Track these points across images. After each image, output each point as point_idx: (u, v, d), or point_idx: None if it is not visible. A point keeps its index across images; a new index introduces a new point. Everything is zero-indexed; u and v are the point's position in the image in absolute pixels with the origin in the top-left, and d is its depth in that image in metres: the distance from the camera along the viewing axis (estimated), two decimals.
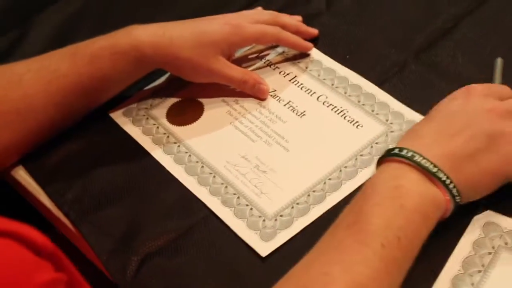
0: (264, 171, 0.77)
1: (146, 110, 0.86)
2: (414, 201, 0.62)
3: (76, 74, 0.80)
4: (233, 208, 0.74)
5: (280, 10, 0.93)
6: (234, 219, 0.73)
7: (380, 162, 0.67)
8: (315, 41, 0.89)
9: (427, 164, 0.62)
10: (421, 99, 0.80)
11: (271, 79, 0.85)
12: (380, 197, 0.62)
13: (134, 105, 0.87)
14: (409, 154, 0.63)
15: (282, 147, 0.79)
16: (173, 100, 0.86)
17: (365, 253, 0.59)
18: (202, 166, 0.79)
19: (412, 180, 0.63)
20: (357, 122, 0.79)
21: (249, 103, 0.84)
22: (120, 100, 0.87)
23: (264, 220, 0.73)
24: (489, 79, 0.80)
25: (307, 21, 0.91)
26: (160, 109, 0.86)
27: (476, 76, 0.80)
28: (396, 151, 0.64)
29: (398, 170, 0.64)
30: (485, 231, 0.66)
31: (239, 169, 0.78)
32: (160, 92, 0.88)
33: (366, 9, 0.92)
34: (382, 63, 0.85)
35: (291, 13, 0.92)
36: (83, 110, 0.84)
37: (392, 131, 0.77)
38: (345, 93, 0.82)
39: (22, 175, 0.83)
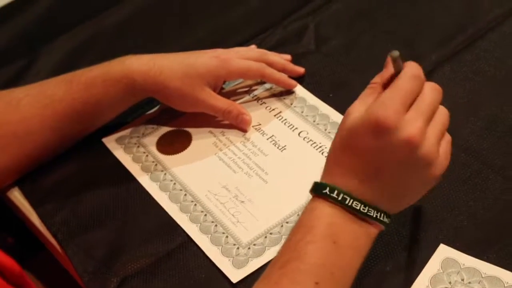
0: (243, 201, 0.81)
1: (138, 138, 0.90)
2: (347, 238, 0.64)
3: (71, 99, 0.85)
4: (210, 235, 0.78)
5: (272, 48, 0.97)
6: (210, 245, 0.77)
7: (315, 194, 0.66)
8: (301, 79, 0.93)
9: (358, 207, 0.64)
10: None
11: (257, 113, 0.89)
12: (313, 235, 0.64)
13: (127, 133, 0.91)
14: (340, 197, 0.64)
15: (261, 179, 0.82)
16: (164, 130, 0.91)
17: None
18: (185, 194, 0.83)
19: (345, 218, 0.64)
20: None
21: (234, 136, 0.88)
22: (115, 128, 0.92)
23: (238, 248, 0.76)
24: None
25: (296, 59, 0.96)
26: (151, 138, 0.90)
27: (459, 112, 0.83)
28: (327, 191, 0.64)
29: (330, 208, 0.65)
30: (443, 266, 0.69)
31: (219, 198, 0.82)
32: (153, 122, 0.92)
33: (352, 52, 0.96)
34: None
35: (283, 51, 0.96)
36: (77, 135, 0.89)
37: None
38: (325, 130, 0.86)
39: (16, 196, 0.88)
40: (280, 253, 0.66)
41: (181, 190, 0.83)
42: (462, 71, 0.89)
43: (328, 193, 0.65)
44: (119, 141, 0.91)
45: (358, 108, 0.66)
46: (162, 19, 1.09)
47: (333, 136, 0.82)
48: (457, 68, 0.90)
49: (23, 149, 0.86)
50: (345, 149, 0.65)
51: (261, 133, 0.88)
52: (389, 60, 0.68)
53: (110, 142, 0.91)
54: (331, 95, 0.90)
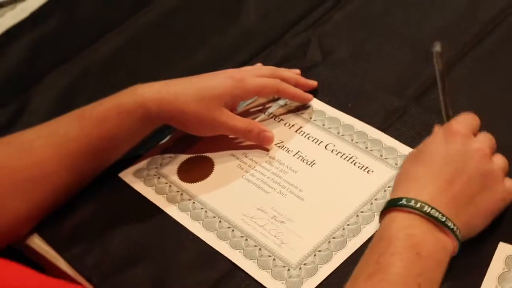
0: (282, 221, 0.78)
1: (156, 169, 0.87)
2: (428, 249, 0.64)
3: (86, 136, 0.82)
4: (256, 259, 0.76)
5: (277, 64, 0.96)
6: (259, 270, 0.75)
7: (386, 211, 0.68)
8: (315, 93, 0.92)
9: (436, 214, 0.65)
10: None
11: (276, 131, 0.87)
12: (396, 247, 0.64)
13: (144, 165, 0.88)
14: (418, 205, 0.65)
15: (296, 197, 0.80)
16: (182, 158, 0.88)
17: None
18: (220, 221, 0.80)
19: (423, 229, 0.65)
20: (367, 167, 0.81)
21: (258, 156, 0.86)
22: (129, 161, 0.89)
23: (288, 270, 0.74)
24: (486, 118, 0.83)
25: (304, 73, 0.94)
26: (170, 167, 0.87)
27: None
28: (404, 201, 0.66)
29: (407, 220, 0.66)
30: (507, 264, 0.68)
31: (257, 221, 0.79)
32: (168, 151, 0.89)
33: (360, 60, 0.95)
34: (384, 109, 0.88)
35: (289, 66, 0.95)
36: (94, 172, 0.85)
37: None
38: (352, 140, 0.85)
39: (37, 243, 0.83)
40: (362, 267, 0.65)
41: (214, 217, 0.81)
42: (477, 68, 0.90)
43: (405, 203, 0.65)
44: (137, 174, 0.87)
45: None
46: (156, 45, 1.06)
47: (361, 146, 0.82)
48: (472, 66, 0.90)
49: (40, 193, 0.82)
50: (418, 161, 0.68)
51: (285, 151, 0.86)
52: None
53: (127, 176, 0.87)
54: (350, 105, 0.89)
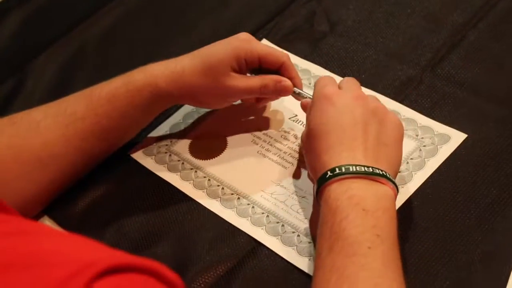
0: (303, 196, 0.77)
1: (167, 147, 0.85)
2: (371, 202, 0.65)
3: (94, 116, 0.79)
4: (280, 236, 0.74)
5: (285, 36, 0.94)
6: (283, 247, 0.73)
7: (320, 191, 0.68)
8: (325, 64, 0.90)
9: (363, 169, 0.66)
10: (445, 111, 0.82)
11: (290, 104, 0.85)
12: (342, 213, 0.65)
13: (153, 143, 0.85)
14: (343, 170, 0.66)
15: None
16: (193, 135, 0.86)
17: (358, 261, 0.62)
18: (238, 198, 0.78)
19: (359, 187, 0.66)
20: None
21: (272, 130, 0.84)
22: (138, 140, 0.86)
23: (314, 245, 0.72)
24: (503, 83, 0.83)
25: (314, 44, 0.92)
26: (182, 144, 0.85)
27: (487, 80, 0.84)
28: (329, 173, 0.67)
29: (342, 186, 0.66)
30: None
31: (277, 197, 0.77)
32: (178, 128, 0.87)
33: (369, 30, 0.93)
34: (399, 80, 0.86)
35: (297, 38, 0.93)
36: (103, 153, 0.82)
37: (424, 146, 0.79)
38: None
39: (48, 225, 0.80)
40: (320, 244, 0.65)
41: (232, 194, 0.79)
42: (491, 34, 0.88)
43: (331, 174, 0.66)
44: (147, 152, 0.85)
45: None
46: (156, 18, 1.03)
47: None
48: (486, 32, 0.89)
49: (48, 174, 0.79)
50: (318, 136, 0.70)
51: (300, 124, 0.84)
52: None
53: (138, 154, 0.85)
54: (363, 76, 0.87)
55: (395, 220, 0.66)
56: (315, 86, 0.74)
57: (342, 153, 0.68)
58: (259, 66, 0.79)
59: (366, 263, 0.62)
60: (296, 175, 0.79)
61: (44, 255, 0.49)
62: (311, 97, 0.75)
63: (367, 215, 0.64)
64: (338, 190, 0.66)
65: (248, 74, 0.81)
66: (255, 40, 0.80)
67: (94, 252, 0.50)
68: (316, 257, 0.66)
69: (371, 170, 0.66)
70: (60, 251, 0.49)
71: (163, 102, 0.82)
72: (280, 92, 0.80)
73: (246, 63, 0.79)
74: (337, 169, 0.66)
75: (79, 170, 0.81)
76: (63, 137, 0.78)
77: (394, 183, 0.67)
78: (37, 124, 0.79)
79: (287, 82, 0.80)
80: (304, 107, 0.78)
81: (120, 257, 0.49)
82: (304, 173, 0.79)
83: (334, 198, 0.66)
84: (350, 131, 0.69)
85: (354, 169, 0.66)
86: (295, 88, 0.80)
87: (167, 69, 0.79)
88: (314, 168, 0.70)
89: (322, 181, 0.67)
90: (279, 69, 0.82)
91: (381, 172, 0.67)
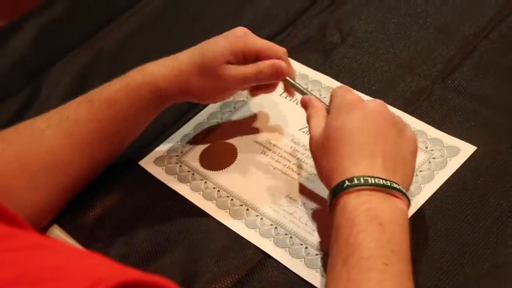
0: (312, 208, 0.77)
1: (178, 157, 0.85)
2: (387, 216, 0.65)
3: (96, 121, 0.79)
4: (288, 248, 0.74)
5: (297, 46, 0.94)
6: (291, 259, 0.73)
7: (335, 200, 0.67)
8: (336, 75, 0.90)
9: (382, 182, 0.66)
10: (455, 123, 0.81)
11: (299, 115, 0.85)
12: (359, 225, 0.64)
13: (165, 153, 0.86)
14: (362, 181, 0.66)
15: None
16: (203, 145, 0.86)
17: (374, 277, 0.61)
18: (247, 209, 0.78)
19: (376, 200, 0.66)
20: None
21: (282, 141, 0.84)
22: (149, 148, 0.86)
23: (322, 258, 0.72)
24: (508, 94, 0.83)
25: (325, 55, 0.92)
26: (192, 155, 0.85)
27: (499, 92, 0.84)
28: (348, 183, 0.66)
29: (359, 198, 0.66)
30: None
31: (286, 209, 0.77)
32: (188, 138, 0.87)
33: (380, 41, 0.93)
34: (409, 91, 0.86)
35: (309, 48, 0.93)
36: (109, 157, 0.83)
37: (434, 158, 0.78)
38: None
39: (58, 234, 0.81)
40: (335, 255, 0.65)
41: (241, 205, 0.79)
42: (503, 45, 0.88)
43: (349, 184, 0.66)
44: (158, 162, 0.85)
45: (316, 124, 0.72)
46: (170, 28, 1.04)
47: None
48: (497, 43, 0.88)
49: (55, 182, 0.80)
50: (340, 141, 0.68)
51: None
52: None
53: (148, 164, 0.85)
54: (374, 87, 0.87)
55: (408, 235, 0.65)
56: (333, 94, 0.73)
57: (362, 160, 0.67)
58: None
59: (382, 279, 0.61)
60: (304, 187, 0.79)
61: (55, 270, 0.49)
62: (304, 88, 0.77)
63: (384, 230, 0.64)
64: (355, 202, 0.65)
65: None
66: (251, 34, 0.80)
67: (105, 268, 0.51)
68: (330, 268, 0.65)
69: (389, 184, 0.66)
70: (71, 266, 0.50)
71: (162, 101, 0.82)
72: (275, 74, 0.79)
73: (244, 57, 0.79)
74: (355, 179, 0.66)
75: (86, 176, 0.82)
76: (68, 144, 0.79)
77: (408, 197, 0.67)
78: (41, 132, 0.79)
79: (282, 63, 0.79)
80: (304, 104, 0.76)
81: (130, 273, 0.50)
82: (311, 184, 0.79)
83: (351, 209, 0.65)
84: (373, 139, 0.68)
85: (373, 182, 0.65)
86: (288, 78, 0.79)
87: (165, 67, 0.80)
88: (328, 173, 0.69)
89: (338, 190, 0.67)
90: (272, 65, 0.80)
91: (398, 187, 0.66)
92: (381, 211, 0.65)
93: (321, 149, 0.70)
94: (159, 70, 0.79)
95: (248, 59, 0.79)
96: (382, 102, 0.72)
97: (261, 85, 0.82)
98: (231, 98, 0.89)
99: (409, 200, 0.67)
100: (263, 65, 0.79)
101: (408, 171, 0.70)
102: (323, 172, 0.71)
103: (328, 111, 0.73)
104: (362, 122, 0.69)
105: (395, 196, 0.66)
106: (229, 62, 0.78)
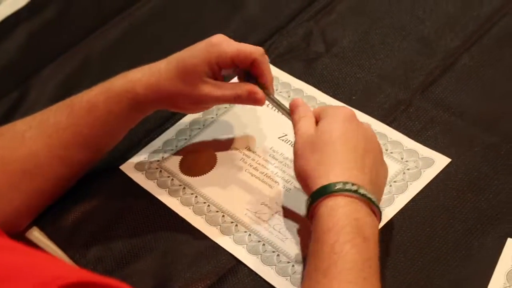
0: (286, 217, 0.77)
1: (159, 163, 0.86)
2: (369, 230, 0.66)
3: (75, 125, 0.80)
4: (260, 255, 0.75)
5: (281, 55, 0.95)
6: (262, 266, 0.74)
7: (317, 205, 0.67)
8: (318, 84, 0.90)
9: (369, 195, 0.66)
10: (432, 135, 0.82)
11: (280, 124, 0.86)
12: (347, 234, 0.64)
13: (146, 159, 0.87)
14: (355, 188, 0.66)
15: (301, 191, 0.79)
16: (184, 152, 0.87)
17: None
18: (223, 216, 0.79)
19: (363, 212, 0.66)
20: None
21: (261, 149, 0.85)
22: (128, 152, 0.87)
23: (293, 266, 0.73)
24: (492, 109, 0.83)
25: (309, 64, 0.93)
26: (172, 161, 0.86)
27: (476, 106, 0.84)
28: (341, 186, 0.66)
29: (351, 204, 0.66)
30: None
31: (261, 216, 0.78)
32: (170, 144, 0.88)
33: (364, 51, 0.94)
34: (388, 102, 0.86)
35: (293, 57, 0.94)
36: (87, 162, 0.84)
37: (408, 169, 0.79)
38: None
39: (37, 236, 0.82)
40: (315, 263, 0.64)
41: (217, 211, 0.80)
42: (483, 59, 0.88)
43: (342, 187, 0.66)
44: (138, 167, 0.86)
45: (307, 124, 0.73)
46: (157, 35, 1.05)
47: None
48: (478, 57, 0.89)
49: (35, 184, 0.81)
50: (335, 144, 0.69)
51: (289, 144, 0.85)
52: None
53: (128, 169, 0.86)
54: (354, 97, 0.88)
55: (378, 248, 0.66)
56: (325, 107, 0.76)
57: (354, 170, 0.67)
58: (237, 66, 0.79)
59: None
60: (280, 195, 0.80)
61: (9, 269, 0.50)
62: (286, 107, 0.77)
63: (365, 244, 0.64)
64: (347, 208, 0.65)
65: (235, 80, 0.82)
66: (226, 41, 0.79)
67: (59, 268, 0.52)
68: (307, 276, 0.65)
69: (374, 198, 0.67)
70: (25, 266, 0.51)
71: (141, 108, 0.82)
72: (251, 101, 0.80)
73: (218, 66, 0.79)
74: (349, 184, 0.66)
75: (65, 179, 0.83)
76: (47, 147, 0.80)
77: (380, 211, 0.68)
78: (22, 135, 0.80)
79: (259, 95, 0.79)
80: (294, 106, 0.76)
81: (84, 274, 0.51)
82: (287, 193, 0.80)
83: (342, 215, 0.65)
84: (362, 152, 0.69)
85: (363, 192, 0.66)
86: (274, 97, 0.80)
87: (144, 75, 0.80)
88: (316, 171, 0.68)
89: (325, 192, 0.66)
90: (251, 66, 0.80)
91: (376, 201, 0.67)
92: (365, 224, 0.65)
93: (310, 149, 0.70)
94: (139, 77, 0.80)
95: (224, 67, 0.79)
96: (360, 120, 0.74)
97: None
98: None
99: (381, 217, 0.68)
100: (243, 90, 0.79)
101: (382, 186, 0.72)
102: (306, 172, 0.69)
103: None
104: (353, 134, 0.70)
105: (373, 211, 0.67)
106: (206, 73, 0.79)
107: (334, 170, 0.67)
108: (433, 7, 0.96)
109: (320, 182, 0.67)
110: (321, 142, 0.70)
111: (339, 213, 0.65)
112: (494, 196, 0.75)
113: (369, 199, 0.66)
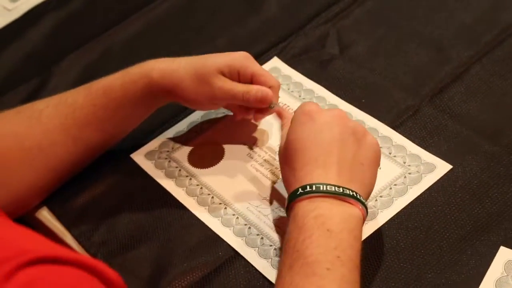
0: (284, 212, 0.79)
1: (168, 153, 0.88)
2: (337, 222, 0.67)
3: (91, 106, 0.83)
4: (257, 248, 0.76)
5: (296, 55, 0.97)
6: (259, 259, 0.75)
7: (289, 207, 0.70)
8: (329, 86, 0.92)
9: (333, 189, 0.68)
10: (436, 141, 0.83)
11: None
12: (307, 231, 0.66)
13: (156, 148, 0.89)
14: (314, 188, 0.68)
15: None
16: (194, 144, 0.89)
17: (315, 282, 0.63)
18: (225, 208, 0.81)
19: (327, 207, 0.67)
20: None
21: (269, 146, 0.86)
22: (141, 143, 0.90)
23: None
24: (498, 120, 0.84)
25: (322, 66, 0.95)
26: (182, 152, 0.88)
27: (482, 115, 0.85)
28: (300, 191, 0.68)
29: (310, 204, 0.68)
30: (506, 269, 0.68)
31: (261, 210, 0.80)
32: (181, 136, 0.90)
33: (377, 56, 0.95)
34: (397, 107, 0.87)
35: (307, 58, 0.95)
36: (101, 145, 0.86)
37: (410, 173, 0.80)
38: None
39: (46, 216, 0.85)
40: (282, 261, 0.67)
41: (220, 203, 0.82)
42: (495, 69, 0.89)
43: (302, 191, 0.68)
44: (148, 156, 0.89)
45: (284, 134, 0.75)
46: (177, 30, 1.07)
47: None
48: (490, 67, 0.89)
49: (48, 162, 0.83)
50: (293, 152, 0.71)
51: None
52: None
53: (139, 157, 0.89)
54: (363, 100, 0.89)
55: (359, 242, 0.67)
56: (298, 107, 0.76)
57: (316, 170, 0.69)
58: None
59: (322, 285, 0.63)
60: (280, 191, 0.81)
61: None
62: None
63: (331, 236, 0.65)
64: (306, 208, 0.68)
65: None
66: (253, 59, 0.83)
67: (34, 243, 0.53)
68: (277, 273, 0.67)
69: (341, 191, 0.68)
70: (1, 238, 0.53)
71: (155, 94, 0.84)
72: (259, 99, 0.81)
73: (239, 75, 0.82)
74: (308, 187, 0.68)
75: (77, 160, 0.85)
76: (62, 125, 0.83)
77: (364, 204, 0.69)
78: (39, 113, 0.83)
79: (269, 92, 0.81)
80: (279, 114, 0.81)
81: (59, 250, 0.52)
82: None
83: (301, 215, 0.68)
84: (327, 148, 0.70)
85: (325, 189, 0.67)
86: (278, 106, 0.82)
87: (163, 63, 0.84)
88: (288, 182, 0.72)
89: (292, 197, 0.69)
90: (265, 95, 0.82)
91: (351, 193, 0.68)
92: (330, 217, 0.67)
93: (283, 159, 0.74)
94: (156, 65, 0.83)
95: (243, 79, 0.82)
96: (341, 110, 0.75)
97: (246, 111, 0.85)
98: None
99: (365, 207, 0.69)
100: (252, 87, 0.82)
101: (368, 178, 0.71)
102: (284, 181, 0.74)
103: None
104: (316, 132, 0.71)
105: (349, 203, 0.68)
106: (223, 74, 0.82)
107: (296, 177, 0.70)
108: (449, 16, 0.97)
109: (289, 191, 0.71)
110: (285, 153, 0.73)
111: (300, 214, 0.68)
112: (492, 204, 0.75)
113: (334, 192, 0.67)
